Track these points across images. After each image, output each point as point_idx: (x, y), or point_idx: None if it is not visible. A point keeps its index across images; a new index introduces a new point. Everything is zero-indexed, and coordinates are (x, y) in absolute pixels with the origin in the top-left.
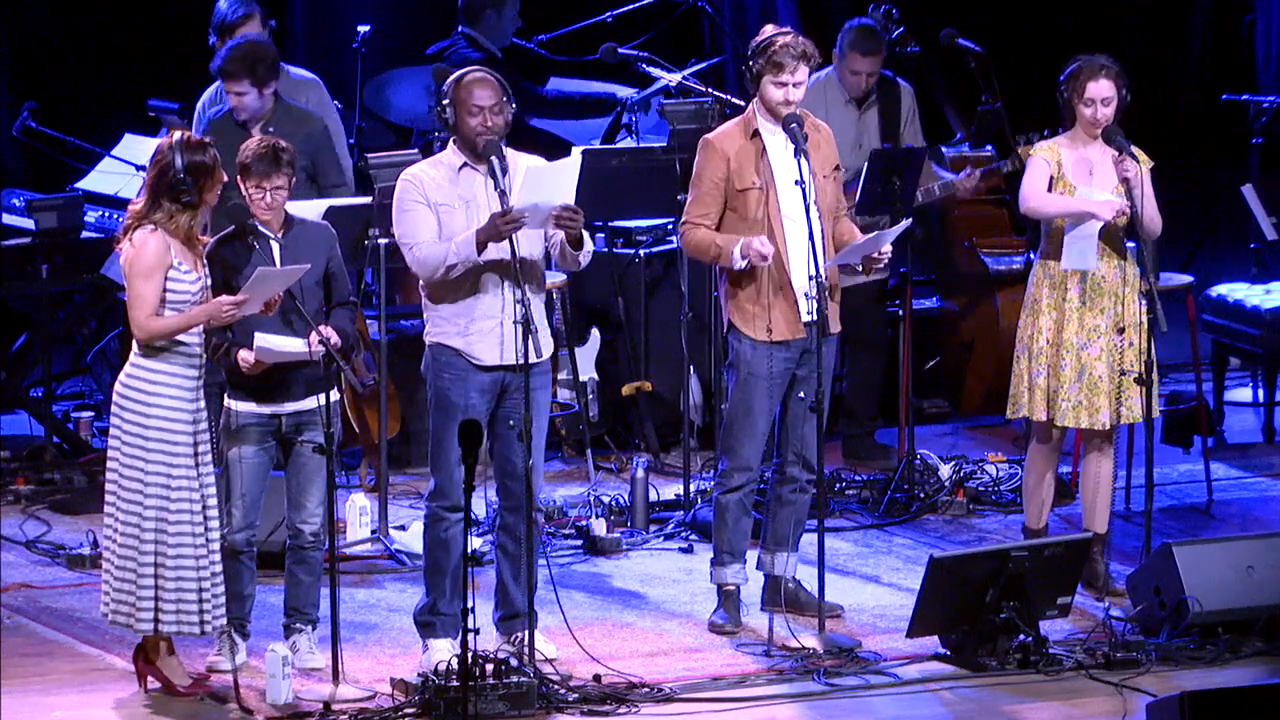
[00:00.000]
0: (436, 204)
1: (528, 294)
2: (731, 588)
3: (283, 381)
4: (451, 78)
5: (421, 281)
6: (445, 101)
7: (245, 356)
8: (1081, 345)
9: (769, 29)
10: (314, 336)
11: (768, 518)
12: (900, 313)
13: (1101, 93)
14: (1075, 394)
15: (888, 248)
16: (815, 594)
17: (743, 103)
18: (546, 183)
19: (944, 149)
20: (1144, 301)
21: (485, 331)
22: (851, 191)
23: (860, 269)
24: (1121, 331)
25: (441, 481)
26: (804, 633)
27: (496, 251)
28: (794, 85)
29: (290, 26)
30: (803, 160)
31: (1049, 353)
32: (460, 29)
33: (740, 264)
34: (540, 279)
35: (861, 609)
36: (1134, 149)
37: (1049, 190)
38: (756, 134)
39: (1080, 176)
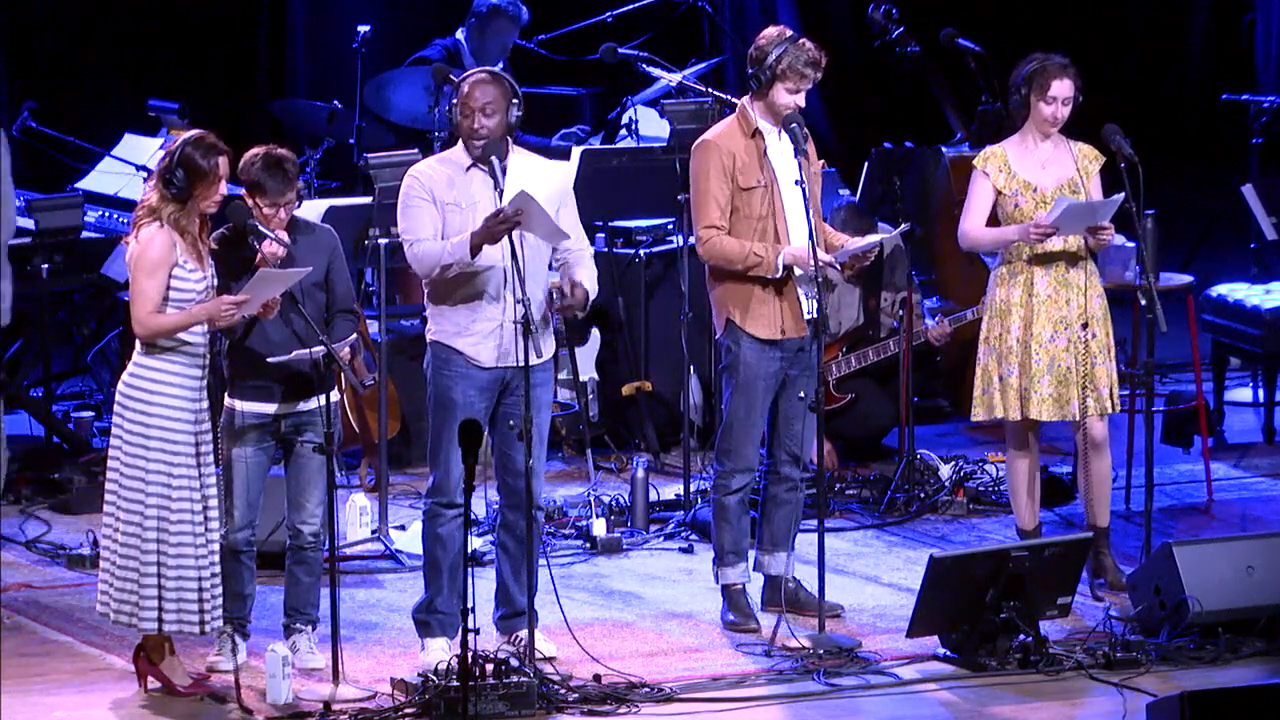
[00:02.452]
0: (443, 202)
1: (528, 295)
2: (738, 587)
3: (283, 382)
4: (461, 77)
5: (424, 279)
6: (454, 100)
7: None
8: (1049, 339)
9: (773, 31)
10: (315, 348)
11: (763, 519)
12: (901, 312)
13: (1064, 92)
14: (1046, 387)
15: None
16: (815, 594)
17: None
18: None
19: (944, 149)
20: (1143, 300)
21: (484, 334)
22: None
23: (840, 269)
24: (1085, 326)
25: (439, 478)
26: (804, 633)
27: (497, 256)
28: (805, 92)
29: (290, 26)
30: (803, 160)
31: (1018, 351)
32: (463, 29)
33: (781, 272)
34: (541, 283)
35: (861, 609)
36: (1087, 146)
37: (996, 199)
38: (757, 133)
39: (1030, 171)
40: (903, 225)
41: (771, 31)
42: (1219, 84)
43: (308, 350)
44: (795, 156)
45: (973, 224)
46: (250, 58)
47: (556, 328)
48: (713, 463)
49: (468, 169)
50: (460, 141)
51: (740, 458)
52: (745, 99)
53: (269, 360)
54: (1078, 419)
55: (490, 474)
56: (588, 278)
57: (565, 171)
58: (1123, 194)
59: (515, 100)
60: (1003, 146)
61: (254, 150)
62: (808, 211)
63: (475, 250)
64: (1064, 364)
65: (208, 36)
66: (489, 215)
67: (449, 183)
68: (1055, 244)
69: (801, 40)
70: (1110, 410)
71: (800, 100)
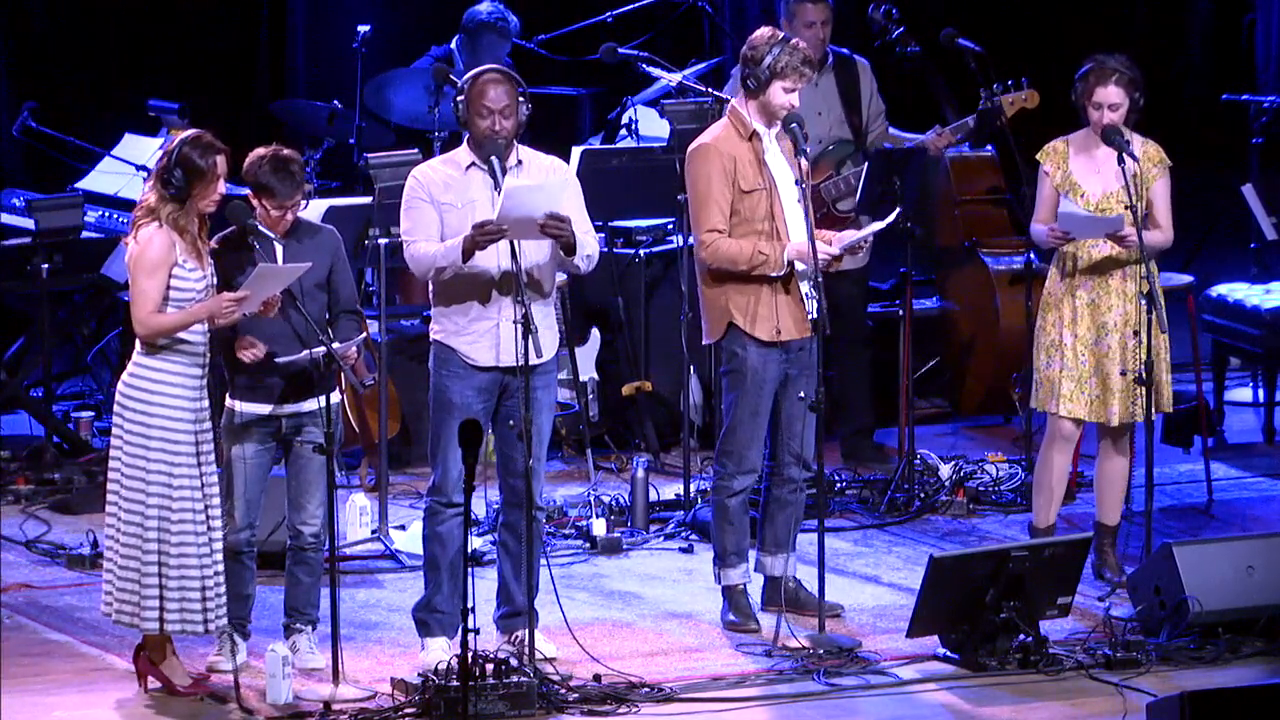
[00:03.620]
0: (441, 203)
1: (528, 296)
2: (739, 588)
3: (284, 382)
4: (469, 74)
5: (419, 278)
6: (460, 98)
7: (247, 353)
8: (1094, 342)
9: (765, 32)
10: (315, 349)
11: (765, 519)
12: (900, 313)
13: (1109, 98)
14: (1092, 388)
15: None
16: (815, 594)
17: None
18: (530, 202)
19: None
20: (1145, 302)
21: (481, 333)
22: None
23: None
24: (1136, 334)
25: (438, 477)
26: (804, 633)
27: (495, 257)
28: (799, 90)
29: (290, 26)
30: (803, 158)
31: (1060, 348)
32: (456, 40)
33: (786, 268)
34: (547, 283)
35: (861, 609)
36: (1152, 147)
37: (1054, 195)
38: (754, 135)
39: (1084, 172)
40: (894, 214)
41: (764, 32)
42: (1219, 84)
43: (308, 351)
44: (796, 156)
45: (1035, 220)
46: (250, 58)
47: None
48: (714, 464)
49: (467, 168)
50: (465, 141)
51: (744, 460)
52: (736, 100)
53: (275, 359)
54: (1116, 423)
55: (490, 474)
56: (586, 243)
57: (557, 185)
58: (1120, 215)
59: (523, 99)
60: (1067, 140)
61: (259, 151)
62: (807, 210)
63: (467, 255)
64: (1106, 368)
65: (208, 36)
66: (475, 224)
67: (446, 183)
68: (1102, 248)
69: (794, 40)
70: (1141, 417)
71: (795, 100)
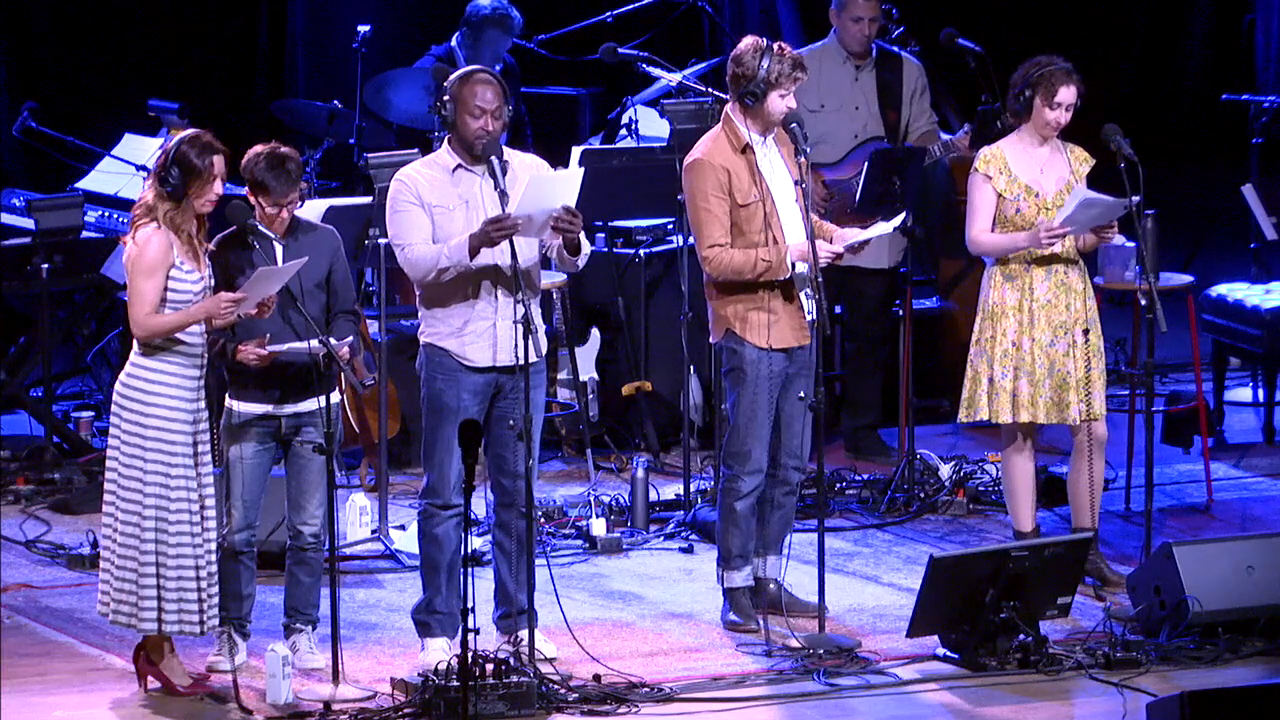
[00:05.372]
0: (431, 205)
1: (525, 294)
2: (742, 589)
3: (284, 381)
4: (455, 74)
5: (417, 283)
6: (446, 98)
7: (250, 352)
8: (1049, 343)
9: (750, 42)
10: (314, 342)
11: (758, 521)
12: (900, 313)
13: (1069, 98)
14: (1047, 391)
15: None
16: (799, 597)
17: None
18: (548, 192)
19: None
20: (1144, 300)
21: (479, 333)
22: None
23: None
24: (1087, 333)
25: (432, 479)
26: (803, 634)
27: (492, 256)
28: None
29: (290, 26)
30: (803, 159)
31: (1014, 355)
32: (457, 36)
33: (791, 271)
34: (536, 282)
35: (861, 609)
36: (1076, 148)
37: (997, 202)
38: (748, 148)
39: (1030, 174)
40: (900, 216)
41: (746, 44)
42: (1219, 84)
43: (305, 342)
44: (797, 156)
45: (980, 229)
46: (250, 58)
47: (555, 327)
48: (720, 465)
49: (455, 169)
50: (445, 142)
51: (750, 459)
52: (729, 109)
53: (268, 346)
54: (1078, 422)
55: (487, 474)
56: (582, 241)
57: (575, 175)
58: (1137, 198)
59: (508, 100)
60: (1000, 148)
61: (257, 148)
62: (806, 211)
63: (474, 253)
64: (1063, 368)
65: (208, 36)
66: (488, 219)
67: (435, 185)
68: (1055, 247)
69: (779, 45)
70: (1098, 415)
71: (792, 102)
